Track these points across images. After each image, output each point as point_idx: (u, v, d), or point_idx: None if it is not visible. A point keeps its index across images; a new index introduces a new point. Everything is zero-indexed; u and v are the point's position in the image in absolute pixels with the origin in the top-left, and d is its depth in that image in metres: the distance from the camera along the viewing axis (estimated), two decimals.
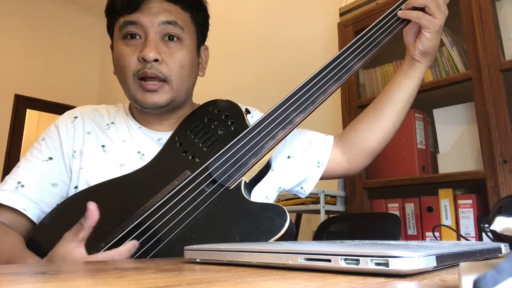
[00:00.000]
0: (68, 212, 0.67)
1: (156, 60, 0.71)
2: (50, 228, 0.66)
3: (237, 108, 0.74)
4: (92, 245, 0.59)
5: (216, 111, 0.74)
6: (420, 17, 0.72)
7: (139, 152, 0.76)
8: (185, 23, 0.76)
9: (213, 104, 0.76)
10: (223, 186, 0.63)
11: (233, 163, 0.64)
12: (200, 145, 0.69)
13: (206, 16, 0.83)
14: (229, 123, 0.71)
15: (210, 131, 0.71)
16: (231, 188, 0.63)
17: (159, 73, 0.71)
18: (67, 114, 0.81)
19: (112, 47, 0.80)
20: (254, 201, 0.63)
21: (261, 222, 0.59)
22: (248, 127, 0.68)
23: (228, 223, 0.61)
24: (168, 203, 0.62)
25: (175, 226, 0.60)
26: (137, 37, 0.73)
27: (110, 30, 0.79)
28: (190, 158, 0.68)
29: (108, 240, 0.60)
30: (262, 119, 0.68)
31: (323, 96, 0.69)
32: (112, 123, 0.80)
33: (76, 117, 0.79)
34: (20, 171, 0.73)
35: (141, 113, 0.80)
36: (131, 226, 0.60)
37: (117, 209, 0.64)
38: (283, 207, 0.60)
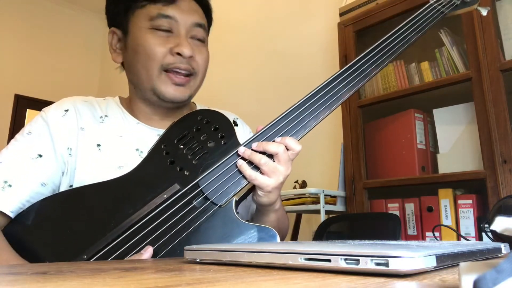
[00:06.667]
0: (48, 214, 0.63)
1: (190, 57, 0.75)
2: (28, 227, 0.63)
3: (227, 121, 0.71)
4: (74, 256, 0.57)
5: (205, 122, 0.70)
6: (253, 179, 0.64)
7: (137, 149, 0.74)
8: (207, 28, 0.82)
9: (201, 114, 0.72)
10: (215, 204, 0.62)
11: (225, 182, 0.63)
12: (189, 157, 0.66)
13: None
14: (219, 137, 0.68)
15: (200, 143, 0.68)
16: (222, 206, 0.62)
17: (191, 68, 0.76)
18: (56, 107, 0.75)
19: (115, 32, 0.79)
20: (245, 222, 0.63)
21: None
22: (239, 143, 0.67)
23: (219, 242, 0.60)
24: (157, 218, 0.60)
25: (166, 243, 0.59)
26: (167, 30, 0.75)
27: (126, 13, 0.77)
28: (178, 169, 0.65)
29: (91, 252, 0.57)
30: (256, 137, 0.66)
31: (315, 120, 0.68)
32: (106, 116, 0.77)
33: (67, 110, 0.74)
34: (5, 169, 0.66)
35: (146, 106, 0.79)
36: (118, 240, 0.58)
37: (100, 218, 0.61)
38: (274, 230, 0.60)
